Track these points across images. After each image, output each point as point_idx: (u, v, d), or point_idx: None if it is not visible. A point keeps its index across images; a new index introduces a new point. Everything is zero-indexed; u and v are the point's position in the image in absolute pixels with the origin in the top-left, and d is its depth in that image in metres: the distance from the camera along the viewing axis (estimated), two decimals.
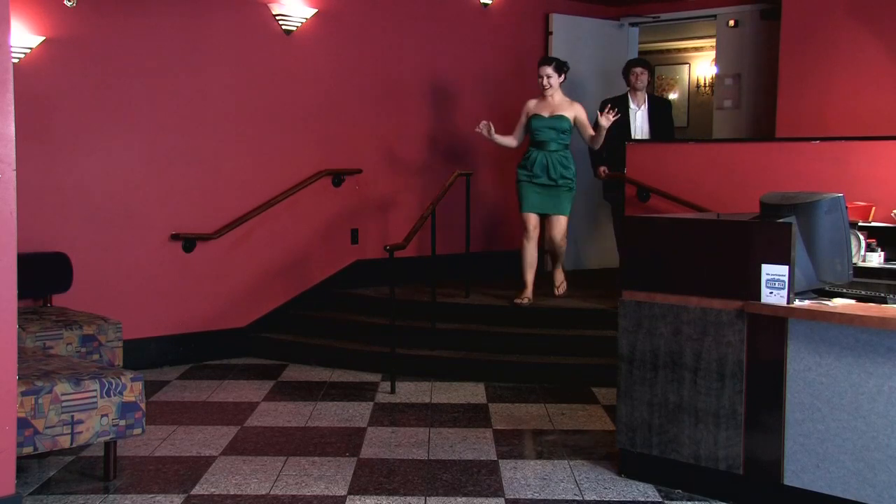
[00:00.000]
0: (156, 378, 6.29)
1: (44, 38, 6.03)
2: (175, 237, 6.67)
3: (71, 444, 4.05)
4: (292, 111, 7.24)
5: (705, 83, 12.32)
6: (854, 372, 3.61)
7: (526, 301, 6.80)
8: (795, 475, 3.77)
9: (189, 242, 6.72)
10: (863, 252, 4.80)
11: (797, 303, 3.77)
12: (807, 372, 3.73)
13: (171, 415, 5.41)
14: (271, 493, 4.13)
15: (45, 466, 4.45)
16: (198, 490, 4.16)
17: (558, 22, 8.76)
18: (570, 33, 8.79)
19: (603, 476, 4.36)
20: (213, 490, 4.16)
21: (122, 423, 4.19)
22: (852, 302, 3.84)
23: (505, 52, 8.51)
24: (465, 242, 7.36)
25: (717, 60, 9.08)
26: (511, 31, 8.57)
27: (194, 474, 4.36)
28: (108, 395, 4.13)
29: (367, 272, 7.65)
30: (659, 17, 9.18)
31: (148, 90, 6.50)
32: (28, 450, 3.92)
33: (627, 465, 4.32)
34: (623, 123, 7.30)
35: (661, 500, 4.06)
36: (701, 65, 12.44)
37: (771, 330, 3.81)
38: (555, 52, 8.49)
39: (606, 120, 6.43)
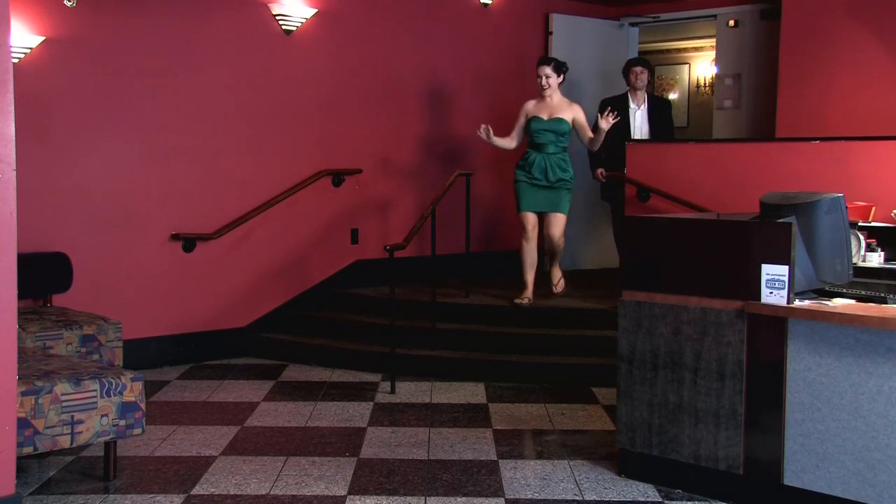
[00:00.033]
0: (156, 378, 6.29)
1: (44, 38, 6.03)
2: (175, 237, 6.67)
3: (71, 444, 4.05)
4: (292, 111, 7.24)
5: (705, 83, 12.32)
6: (854, 372, 3.61)
7: (526, 301, 6.80)
8: (795, 475, 3.77)
9: (189, 242, 6.72)
10: (863, 252, 4.80)
11: (797, 303, 3.77)
12: (807, 372, 3.73)
13: (171, 415, 5.41)
14: (271, 493, 4.13)
15: (45, 466, 4.45)
16: (198, 490, 4.16)
17: (558, 22, 8.76)
18: (570, 33, 8.79)
19: (603, 476, 4.36)
20: (213, 490, 4.16)
21: (122, 423, 4.19)
22: (852, 302, 3.84)
23: (505, 52, 8.51)
24: (465, 242, 7.36)
25: (717, 60, 9.08)
26: (511, 31, 8.57)
27: (194, 474, 4.36)
28: (108, 395, 4.13)
29: (367, 272, 7.65)
30: (659, 17, 9.18)
31: (148, 90, 6.50)
32: (28, 450, 3.92)
33: (627, 465, 4.32)
34: (623, 124, 7.29)
35: (661, 500, 4.06)
36: (701, 65, 12.44)
37: (771, 330, 3.81)
38: (555, 52, 8.50)
39: (606, 123, 6.41)
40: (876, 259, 4.82)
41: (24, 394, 3.88)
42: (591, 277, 8.22)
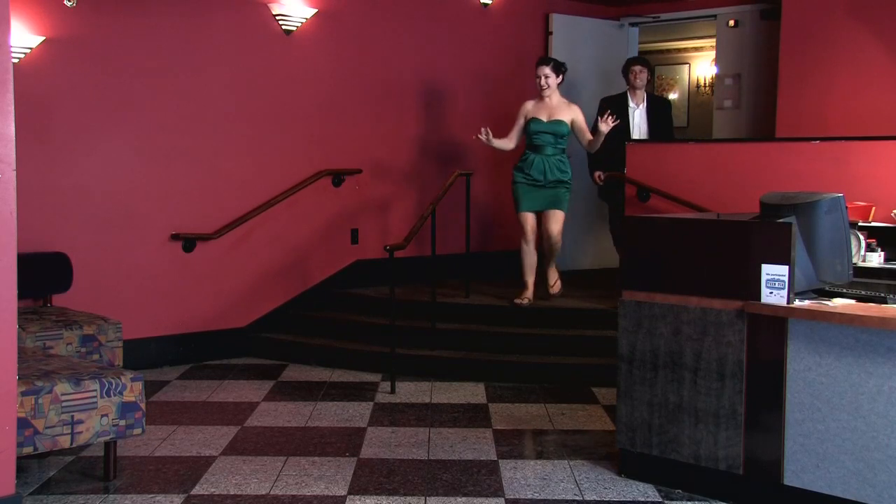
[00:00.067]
0: (156, 378, 6.29)
1: (44, 38, 6.03)
2: (175, 237, 6.67)
3: (71, 444, 4.05)
4: (292, 111, 7.24)
5: (705, 83, 12.32)
6: (854, 372, 3.61)
7: (526, 301, 6.80)
8: (795, 475, 3.78)
9: (189, 242, 6.72)
10: (863, 252, 4.80)
11: (797, 303, 3.77)
12: (807, 372, 3.73)
13: (171, 415, 5.41)
14: (271, 493, 4.13)
15: (45, 466, 4.45)
16: (198, 490, 4.16)
17: (558, 22, 8.76)
18: (570, 33, 8.79)
19: (603, 476, 4.36)
20: (213, 490, 4.16)
21: (122, 423, 4.19)
22: (852, 302, 3.84)
23: (505, 53, 8.51)
24: (465, 242, 7.36)
25: (717, 60, 9.08)
26: (511, 32, 8.57)
27: (194, 474, 4.36)
28: (108, 395, 4.13)
29: (367, 272, 7.65)
30: (659, 17, 9.18)
31: (148, 90, 6.50)
32: (28, 450, 3.92)
33: (627, 465, 4.32)
34: (622, 124, 7.29)
35: (661, 500, 4.06)
36: (701, 65, 12.44)
37: (771, 330, 3.81)
38: (555, 52, 8.50)
39: (605, 126, 6.38)
40: (876, 259, 4.82)
41: (24, 394, 3.88)
42: (591, 277, 8.22)
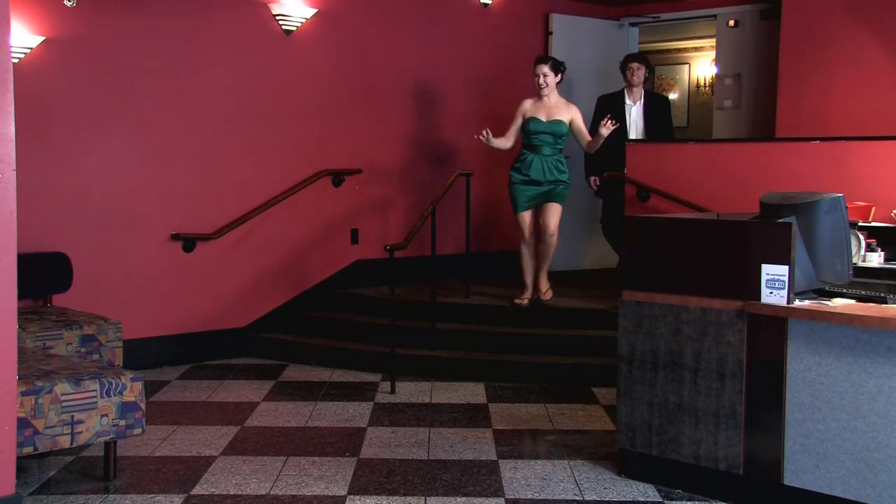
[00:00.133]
0: (156, 378, 6.29)
1: (44, 38, 6.03)
2: (175, 237, 6.67)
3: (71, 444, 4.05)
4: (292, 111, 7.24)
5: (705, 83, 12.32)
6: (854, 372, 3.61)
7: (526, 301, 6.79)
8: (795, 475, 3.78)
9: (189, 242, 6.72)
10: (863, 252, 4.80)
11: (797, 303, 3.77)
12: (807, 372, 3.73)
13: (171, 415, 5.41)
14: (271, 493, 4.13)
15: (45, 466, 4.45)
16: (198, 490, 4.16)
17: (558, 22, 8.76)
18: (570, 33, 8.79)
19: (603, 476, 4.36)
20: (213, 490, 4.16)
21: (122, 423, 4.19)
22: (852, 302, 3.84)
23: (505, 53, 8.51)
24: (465, 242, 7.36)
25: (717, 60, 9.08)
26: (511, 32, 8.57)
27: (194, 474, 4.36)
28: (108, 395, 4.13)
29: (367, 272, 7.65)
30: (659, 17, 9.19)
31: (148, 90, 6.50)
32: (28, 450, 3.92)
33: (627, 465, 4.32)
34: (621, 126, 7.27)
35: (661, 500, 4.06)
36: (701, 65, 12.45)
37: (771, 330, 3.81)
38: (555, 52, 8.49)
39: (606, 130, 6.33)
40: (876, 259, 4.82)
41: (24, 394, 3.88)
42: (591, 277, 8.23)
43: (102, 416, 4.12)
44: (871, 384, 3.57)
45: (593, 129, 6.71)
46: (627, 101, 7.63)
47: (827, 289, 3.99)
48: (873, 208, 5.37)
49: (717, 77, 9.12)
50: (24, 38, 5.89)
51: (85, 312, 5.81)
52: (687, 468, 4.10)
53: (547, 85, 6.62)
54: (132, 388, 4.23)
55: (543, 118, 6.62)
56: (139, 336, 6.44)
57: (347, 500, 4.05)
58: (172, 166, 6.64)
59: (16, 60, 5.83)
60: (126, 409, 4.20)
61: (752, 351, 3.87)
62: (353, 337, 6.92)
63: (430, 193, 7.63)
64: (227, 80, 6.88)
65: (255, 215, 6.97)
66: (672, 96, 12.39)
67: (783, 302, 3.76)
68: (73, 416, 4.02)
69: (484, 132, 6.61)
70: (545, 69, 6.61)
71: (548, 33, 8.77)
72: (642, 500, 4.06)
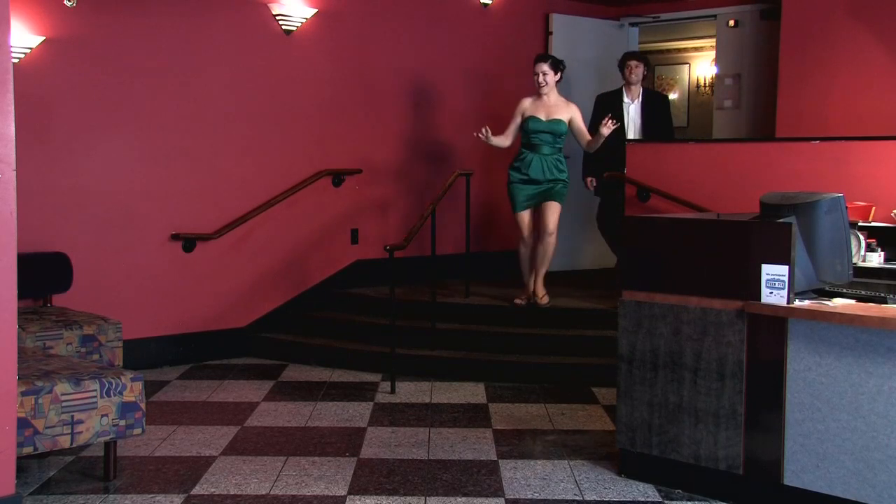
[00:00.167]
0: (156, 378, 6.29)
1: (44, 38, 6.03)
2: (175, 237, 6.67)
3: (71, 444, 4.05)
4: (292, 111, 7.24)
5: (705, 83, 12.32)
6: (854, 372, 3.61)
7: (526, 301, 6.79)
8: (795, 475, 3.78)
9: (189, 242, 6.72)
10: (863, 252, 4.80)
11: (797, 303, 3.77)
12: (807, 372, 3.73)
13: (171, 415, 5.41)
14: (271, 493, 4.13)
15: (45, 466, 4.45)
16: (198, 490, 4.16)
17: (558, 22, 8.76)
18: (570, 33, 8.79)
19: (603, 476, 4.36)
20: (213, 490, 4.16)
21: (122, 423, 4.19)
22: (852, 302, 3.84)
23: (505, 53, 8.51)
24: (465, 242, 7.36)
25: (717, 60, 9.08)
26: (511, 32, 8.57)
27: (194, 474, 4.36)
28: (108, 395, 4.13)
29: (367, 272, 7.65)
30: (659, 17, 9.19)
31: (148, 90, 6.50)
32: (28, 450, 3.92)
33: (627, 465, 4.32)
34: (619, 126, 7.26)
35: (661, 500, 4.06)
36: (701, 65, 12.44)
37: (771, 330, 3.81)
38: (555, 51, 8.48)
39: (606, 129, 6.31)
40: (876, 259, 4.82)
41: (24, 394, 3.88)
42: (591, 277, 8.23)
43: (102, 416, 4.12)
44: (871, 384, 3.57)
45: (593, 128, 6.70)
46: (626, 100, 7.62)
47: (827, 289, 3.99)
48: (873, 208, 5.37)
49: (717, 77, 9.12)
50: (24, 38, 5.89)
51: (85, 312, 5.81)
52: (687, 468, 4.10)
53: (546, 83, 6.58)
54: (132, 388, 4.23)
55: (543, 117, 6.60)
56: (139, 336, 6.44)
57: (347, 500, 4.05)
58: (172, 166, 6.64)
59: (16, 60, 5.83)
60: (126, 409, 4.20)
61: (752, 351, 3.87)
62: (353, 337, 6.92)
63: (430, 193, 7.63)
64: (227, 80, 6.88)
65: (254, 215, 6.97)
66: (672, 96, 12.39)
67: (783, 302, 3.76)
68: (73, 416, 4.02)
69: (483, 130, 6.59)
70: (545, 67, 6.58)
71: (548, 33, 8.77)
72: (642, 500, 4.06)
